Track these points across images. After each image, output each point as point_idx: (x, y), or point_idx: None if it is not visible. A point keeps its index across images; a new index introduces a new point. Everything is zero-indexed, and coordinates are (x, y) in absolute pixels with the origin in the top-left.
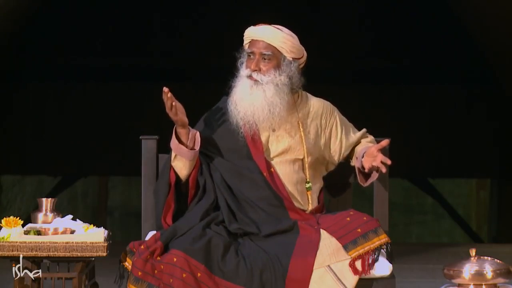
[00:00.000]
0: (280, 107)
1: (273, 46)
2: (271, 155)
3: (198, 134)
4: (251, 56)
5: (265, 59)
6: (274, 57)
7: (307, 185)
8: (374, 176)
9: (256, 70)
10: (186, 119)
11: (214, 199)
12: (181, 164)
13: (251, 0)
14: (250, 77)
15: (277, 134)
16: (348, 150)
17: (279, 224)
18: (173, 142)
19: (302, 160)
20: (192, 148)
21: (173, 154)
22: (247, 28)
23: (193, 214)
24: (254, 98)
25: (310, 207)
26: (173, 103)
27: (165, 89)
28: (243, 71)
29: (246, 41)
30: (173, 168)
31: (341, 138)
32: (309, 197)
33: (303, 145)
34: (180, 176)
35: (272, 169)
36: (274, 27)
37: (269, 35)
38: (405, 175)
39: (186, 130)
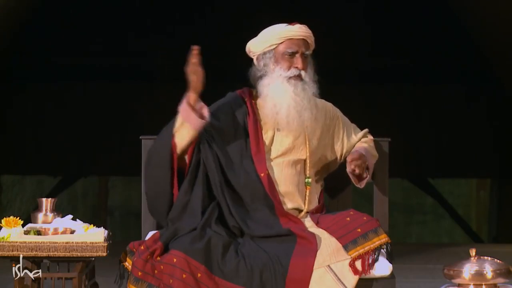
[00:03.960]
0: (313, 110)
1: (310, 44)
2: (274, 155)
3: (206, 107)
4: (291, 56)
5: (305, 57)
6: (309, 55)
7: (307, 180)
8: (367, 177)
9: (303, 69)
10: (201, 87)
11: (204, 185)
12: (185, 132)
13: (251, 0)
14: (296, 77)
15: (281, 134)
16: (349, 150)
17: (273, 229)
18: (183, 107)
19: (305, 160)
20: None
21: (179, 121)
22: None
23: (193, 209)
24: (299, 100)
25: (307, 206)
26: (196, 68)
27: (195, 47)
28: (284, 72)
29: (278, 41)
30: (174, 136)
31: (343, 138)
32: (308, 194)
33: (306, 145)
34: (178, 146)
35: (267, 172)
36: (302, 25)
37: (307, 34)
38: (405, 175)
39: (197, 96)
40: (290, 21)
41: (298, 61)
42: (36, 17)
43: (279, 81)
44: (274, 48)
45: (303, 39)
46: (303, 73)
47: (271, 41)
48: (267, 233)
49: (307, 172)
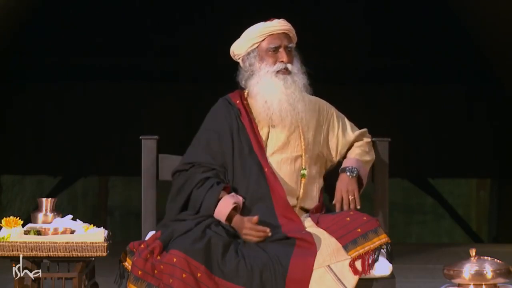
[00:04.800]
0: (306, 102)
1: (292, 37)
2: (271, 151)
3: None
4: (275, 51)
5: (289, 50)
6: (293, 48)
7: (302, 172)
8: (363, 186)
9: (289, 62)
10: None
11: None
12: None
13: (251, 0)
14: (284, 70)
15: (276, 130)
16: (345, 148)
17: (272, 235)
18: (220, 215)
19: (301, 156)
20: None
21: (209, 206)
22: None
23: (189, 222)
24: (290, 93)
25: (302, 198)
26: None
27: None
28: (270, 67)
29: (259, 39)
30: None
31: (338, 134)
32: (302, 185)
33: (301, 140)
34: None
35: (270, 168)
36: (280, 19)
37: (286, 27)
38: (405, 175)
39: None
40: (290, 20)
41: (282, 55)
42: (36, 17)
43: (267, 78)
44: (257, 47)
45: (283, 32)
46: (289, 66)
47: (252, 40)
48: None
49: (304, 166)
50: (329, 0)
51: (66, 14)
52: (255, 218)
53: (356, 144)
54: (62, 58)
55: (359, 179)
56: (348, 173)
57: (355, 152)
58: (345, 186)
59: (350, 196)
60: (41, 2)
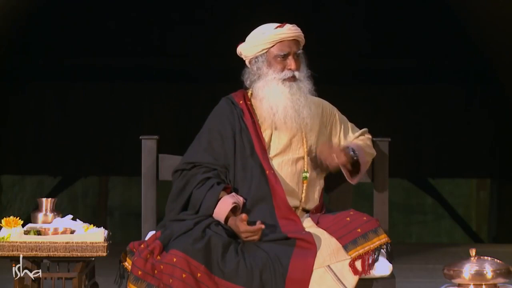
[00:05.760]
0: (311, 107)
1: (301, 42)
2: (273, 153)
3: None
4: (284, 58)
5: (298, 56)
6: (301, 53)
7: (304, 175)
8: (362, 173)
9: (297, 70)
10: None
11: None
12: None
13: (252, 0)
14: (291, 78)
15: (279, 132)
16: None
17: (271, 235)
18: (219, 215)
19: (303, 158)
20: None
21: (209, 206)
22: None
23: (188, 222)
24: (296, 99)
25: (304, 201)
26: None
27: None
28: (278, 74)
29: (269, 45)
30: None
31: (340, 136)
32: (305, 188)
33: (304, 143)
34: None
35: (272, 170)
36: (291, 25)
37: (297, 33)
38: (405, 175)
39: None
40: (290, 21)
41: (291, 62)
42: (37, 17)
43: (274, 84)
44: (265, 52)
45: (293, 39)
46: (297, 73)
47: (262, 45)
48: (266, 238)
49: (306, 169)
50: (329, 1)
51: (66, 14)
52: (244, 216)
53: (359, 138)
54: (63, 58)
55: (355, 166)
56: (350, 151)
57: (356, 142)
58: (338, 153)
59: (333, 154)
60: (41, 2)
